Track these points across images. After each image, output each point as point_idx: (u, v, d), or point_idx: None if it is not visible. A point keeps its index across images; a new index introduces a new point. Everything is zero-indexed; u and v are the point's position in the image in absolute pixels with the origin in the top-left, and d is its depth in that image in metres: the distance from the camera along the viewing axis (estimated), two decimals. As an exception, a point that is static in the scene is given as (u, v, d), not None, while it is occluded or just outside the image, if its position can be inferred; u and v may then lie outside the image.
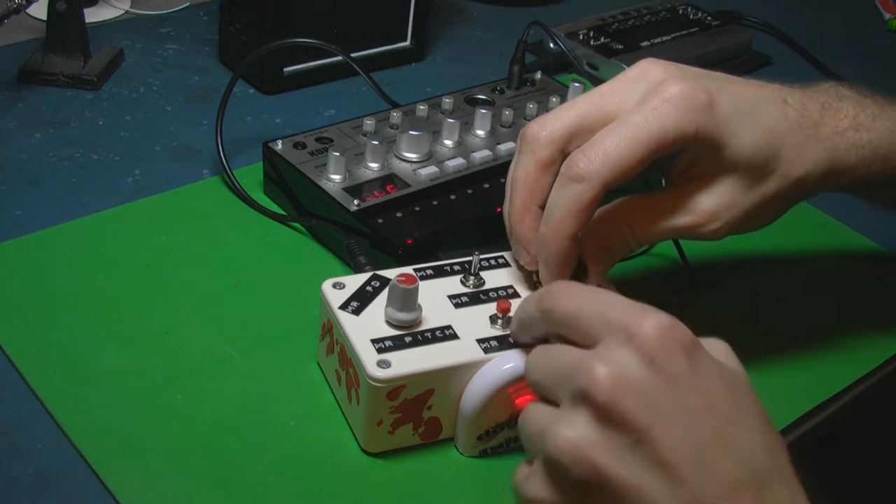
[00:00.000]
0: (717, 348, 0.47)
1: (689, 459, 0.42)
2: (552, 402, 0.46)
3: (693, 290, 0.70)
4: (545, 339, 0.50)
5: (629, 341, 0.43)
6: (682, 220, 0.55)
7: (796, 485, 0.44)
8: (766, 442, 0.44)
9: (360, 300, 0.57)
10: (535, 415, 0.47)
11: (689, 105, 0.52)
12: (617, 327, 0.44)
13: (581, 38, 0.98)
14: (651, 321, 0.44)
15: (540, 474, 0.45)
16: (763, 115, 0.55)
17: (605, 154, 0.51)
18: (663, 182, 0.57)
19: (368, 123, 0.75)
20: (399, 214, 0.68)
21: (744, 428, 0.44)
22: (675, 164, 0.56)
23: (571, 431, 0.43)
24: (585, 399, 0.43)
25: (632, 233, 0.55)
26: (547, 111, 0.65)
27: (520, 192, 0.54)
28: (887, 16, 1.19)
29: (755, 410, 0.45)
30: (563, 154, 0.53)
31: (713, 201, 0.55)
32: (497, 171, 0.73)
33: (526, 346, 0.53)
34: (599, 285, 0.53)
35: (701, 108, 0.52)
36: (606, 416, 0.43)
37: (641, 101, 0.52)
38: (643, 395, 0.43)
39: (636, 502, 0.42)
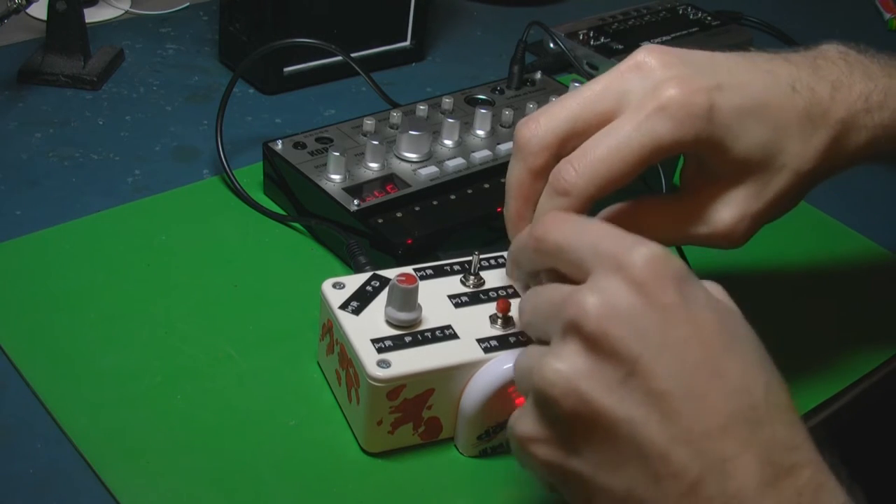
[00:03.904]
0: (712, 288, 0.45)
1: (681, 390, 0.41)
2: (545, 343, 0.45)
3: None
4: (537, 280, 0.50)
5: (619, 270, 0.43)
6: (698, 230, 0.54)
7: (798, 423, 0.42)
8: (763, 377, 0.43)
9: (360, 300, 0.57)
10: (527, 354, 0.47)
11: (686, 112, 0.50)
12: (607, 257, 0.43)
13: (581, 38, 0.98)
14: (642, 250, 0.43)
15: (530, 411, 0.45)
16: (768, 109, 0.52)
17: (592, 167, 0.49)
18: (662, 181, 0.57)
19: (368, 123, 0.75)
20: (399, 214, 0.68)
21: (739, 361, 0.42)
22: (684, 166, 0.55)
23: (560, 363, 0.42)
24: (574, 329, 0.42)
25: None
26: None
27: (514, 200, 0.53)
28: (887, 16, 1.19)
29: (751, 346, 0.44)
30: (557, 158, 0.52)
31: (728, 213, 0.53)
32: (497, 171, 0.73)
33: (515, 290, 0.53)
34: None
35: (699, 115, 0.50)
36: (596, 345, 0.42)
37: (636, 106, 0.50)
38: (633, 324, 0.42)
39: (626, 436, 0.41)
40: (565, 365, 0.42)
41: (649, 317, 0.42)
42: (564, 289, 0.45)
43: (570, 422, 0.43)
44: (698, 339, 0.42)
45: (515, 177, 0.53)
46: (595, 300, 0.42)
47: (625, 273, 0.42)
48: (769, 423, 0.42)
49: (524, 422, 0.45)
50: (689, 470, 0.41)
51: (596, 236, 0.45)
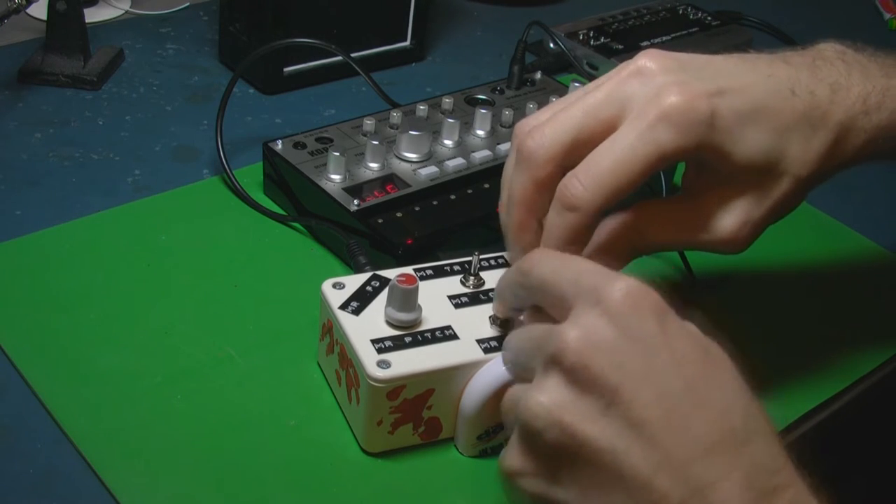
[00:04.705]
0: (690, 320, 0.46)
1: (661, 418, 0.42)
2: (529, 380, 0.46)
3: (693, 291, 0.70)
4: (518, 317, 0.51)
5: (598, 304, 0.44)
6: (700, 237, 0.54)
7: (778, 447, 0.43)
8: (742, 404, 0.43)
9: (360, 300, 0.57)
10: (512, 391, 0.48)
11: (688, 120, 0.50)
12: (587, 292, 0.44)
13: (581, 38, 0.98)
14: (620, 284, 0.44)
15: (515, 445, 0.46)
16: (769, 113, 0.52)
17: (598, 180, 0.50)
18: (663, 183, 0.57)
19: (368, 123, 0.75)
20: (399, 214, 0.68)
21: (718, 388, 0.43)
22: (686, 170, 0.55)
23: (543, 395, 0.43)
24: (556, 363, 0.43)
25: (642, 241, 0.54)
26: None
27: (518, 210, 0.53)
28: (887, 16, 1.19)
29: (729, 373, 0.44)
30: (562, 169, 0.51)
31: (729, 220, 0.53)
32: (497, 171, 0.72)
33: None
34: None
35: (701, 122, 0.50)
36: (576, 377, 0.43)
37: (638, 114, 0.50)
38: (612, 355, 0.42)
39: (610, 465, 0.42)
40: (547, 397, 0.43)
41: (628, 347, 0.43)
42: (546, 326, 0.46)
43: (555, 453, 0.44)
44: (677, 367, 0.43)
45: (520, 188, 0.52)
46: (575, 334, 0.43)
47: (604, 306, 0.43)
48: (750, 447, 0.42)
49: (510, 456, 0.46)
50: (672, 496, 0.41)
51: (577, 272, 0.46)
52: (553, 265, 0.48)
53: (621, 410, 0.42)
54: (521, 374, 0.49)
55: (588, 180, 0.50)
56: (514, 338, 0.49)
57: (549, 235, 0.52)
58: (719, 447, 0.42)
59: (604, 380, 0.42)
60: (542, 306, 0.48)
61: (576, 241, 0.51)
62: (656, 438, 0.42)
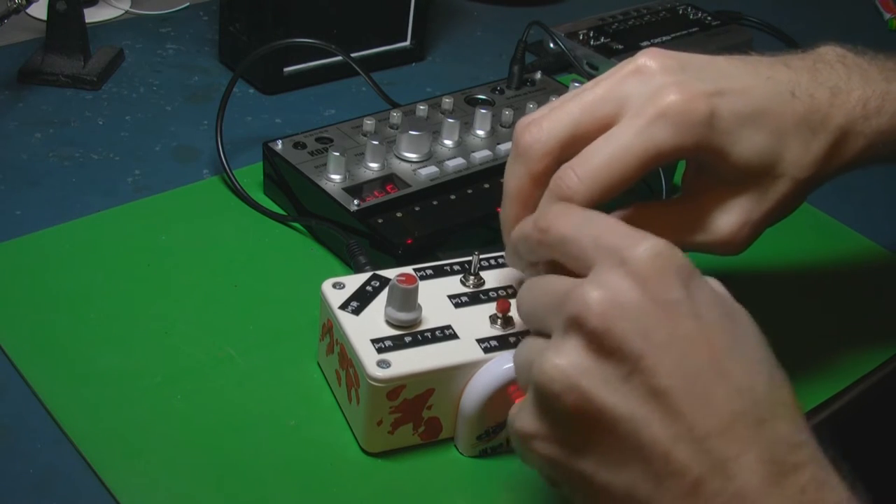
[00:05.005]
0: (715, 284, 0.45)
1: (684, 388, 0.41)
2: (545, 335, 0.45)
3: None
4: (535, 269, 0.50)
5: (622, 265, 0.42)
6: (698, 238, 0.54)
7: (800, 421, 0.42)
8: (766, 375, 0.42)
9: (360, 300, 0.57)
10: (527, 346, 0.46)
11: (686, 120, 0.49)
12: (611, 251, 0.43)
13: (581, 38, 0.98)
14: (646, 245, 0.42)
15: (530, 406, 0.44)
16: (768, 115, 0.52)
17: (594, 173, 0.49)
18: (663, 183, 0.57)
19: (368, 123, 0.75)
20: (399, 214, 0.68)
21: (743, 359, 0.42)
22: (686, 170, 0.55)
23: (561, 358, 0.42)
24: (577, 325, 0.42)
25: None
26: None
27: (513, 204, 0.53)
28: (887, 16, 1.19)
29: (755, 342, 0.43)
30: (558, 164, 0.51)
31: (728, 221, 0.53)
32: (497, 171, 0.73)
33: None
34: None
35: (700, 123, 0.50)
36: (599, 342, 0.41)
37: (637, 112, 0.50)
38: (636, 321, 0.41)
39: (628, 435, 0.41)
40: (566, 361, 0.42)
41: (653, 314, 0.42)
42: (566, 281, 0.45)
43: (572, 419, 0.42)
44: (702, 337, 0.42)
45: (516, 181, 0.52)
46: (598, 295, 0.42)
47: (628, 268, 0.42)
48: (772, 421, 0.41)
49: (524, 417, 0.45)
50: (691, 469, 0.41)
51: (600, 230, 0.45)
52: (573, 221, 0.46)
53: (643, 379, 0.41)
54: (537, 327, 0.47)
55: (583, 172, 0.49)
56: (530, 288, 0.47)
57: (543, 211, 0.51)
58: (741, 421, 0.41)
59: (627, 346, 0.41)
60: (563, 263, 0.46)
61: None
62: (678, 409, 0.41)
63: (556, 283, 0.45)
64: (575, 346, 0.42)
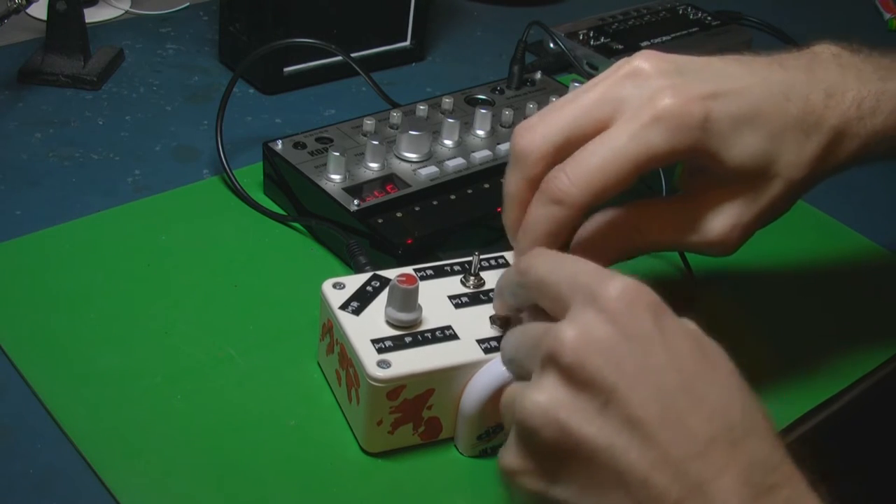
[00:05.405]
0: (686, 322, 0.46)
1: (658, 416, 0.42)
2: (527, 380, 0.46)
3: (693, 290, 0.70)
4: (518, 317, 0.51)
5: (594, 302, 0.44)
6: (690, 238, 0.54)
7: (776, 442, 0.43)
8: (739, 399, 0.43)
9: (360, 300, 0.57)
10: (510, 389, 0.48)
11: (680, 123, 0.50)
12: (583, 290, 0.44)
13: (581, 38, 0.98)
14: (616, 283, 0.44)
15: (513, 443, 0.46)
16: (763, 117, 0.53)
17: (586, 176, 0.50)
18: (663, 183, 0.57)
19: (368, 123, 0.75)
20: (399, 214, 0.68)
21: (715, 385, 0.43)
22: (683, 169, 0.55)
23: (540, 395, 0.43)
24: (552, 361, 0.43)
25: (641, 239, 0.54)
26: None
27: (511, 208, 0.54)
28: (887, 16, 1.19)
29: (727, 371, 0.44)
30: (554, 167, 0.52)
31: (720, 222, 0.54)
32: (497, 171, 0.73)
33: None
34: None
35: (695, 126, 0.50)
36: (573, 376, 0.43)
37: (632, 115, 0.50)
38: (608, 354, 0.42)
39: (607, 464, 0.42)
40: (544, 396, 0.43)
41: (624, 346, 0.43)
42: (544, 324, 0.46)
43: (552, 451, 0.44)
44: (674, 365, 0.43)
45: (513, 186, 0.53)
46: (572, 332, 0.43)
47: (600, 305, 0.43)
48: (747, 443, 0.42)
49: (508, 454, 0.46)
50: (670, 493, 0.41)
51: (573, 271, 0.46)
52: (550, 264, 0.48)
53: (618, 409, 0.42)
54: (518, 372, 0.49)
55: (575, 175, 0.50)
56: (511, 336, 0.49)
57: (529, 227, 0.52)
58: (717, 444, 0.42)
59: (600, 378, 0.42)
60: (541, 305, 0.48)
61: (556, 236, 0.51)
62: (653, 436, 0.42)
63: (535, 328, 0.47)
64: (552, 382, 0.43)
